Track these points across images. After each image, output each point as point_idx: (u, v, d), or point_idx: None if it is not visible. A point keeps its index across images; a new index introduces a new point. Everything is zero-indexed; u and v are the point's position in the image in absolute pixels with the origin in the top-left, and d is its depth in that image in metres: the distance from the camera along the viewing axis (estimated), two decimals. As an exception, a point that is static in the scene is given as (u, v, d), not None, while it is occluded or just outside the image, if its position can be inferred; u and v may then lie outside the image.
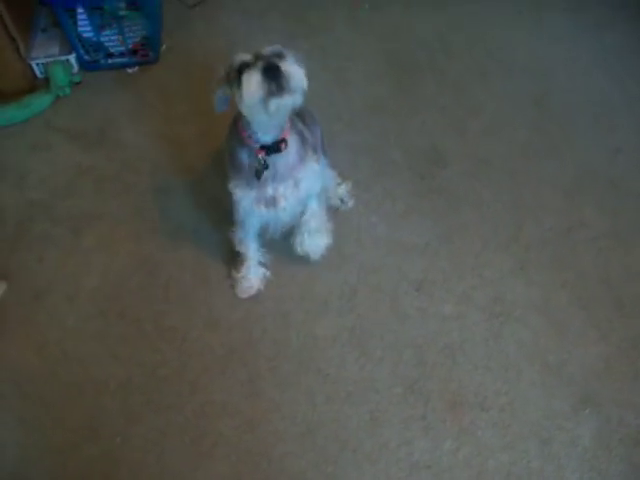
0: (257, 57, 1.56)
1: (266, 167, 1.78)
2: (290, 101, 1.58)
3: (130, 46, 2.92)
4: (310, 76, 1.68)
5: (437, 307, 2.11)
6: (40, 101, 2.77)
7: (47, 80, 2.83)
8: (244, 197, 1.89)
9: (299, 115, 1.91)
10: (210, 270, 2.22)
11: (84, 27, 2.83)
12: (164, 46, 3.05)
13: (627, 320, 2.08)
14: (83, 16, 2.79)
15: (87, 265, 2.26)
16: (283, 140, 1.76)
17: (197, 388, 1.96)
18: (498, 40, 3.07)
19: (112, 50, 2.93)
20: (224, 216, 2.25)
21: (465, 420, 1.87)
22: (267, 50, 1.58)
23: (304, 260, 2.20)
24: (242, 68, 1.57)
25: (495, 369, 1.97)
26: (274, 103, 1.55)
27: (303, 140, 1.87)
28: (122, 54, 2.94)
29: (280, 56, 1.57)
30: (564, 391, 1.92)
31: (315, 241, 2.14)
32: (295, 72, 1.55)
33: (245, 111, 1.64)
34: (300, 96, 1.60)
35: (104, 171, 2.54)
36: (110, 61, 2.95)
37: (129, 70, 2.96)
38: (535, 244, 2.27)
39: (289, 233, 2.15)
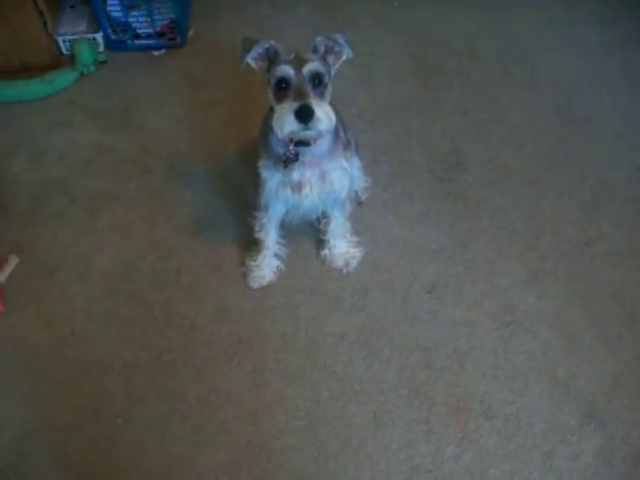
0: (297, 77, 1.65)
1: (296, 159, 1.81)
2: (316, 136, 1.73)
3: (158, 29, 2.92)
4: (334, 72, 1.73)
5: (448, 311, 2.10)
6: (64, 78, 2.79)
7: (72, 57, 2.85)
8: (271, 178, 1.91)
9: (337, 112, 1.92)
10: (223, 259, 2.22)
11: (113, 6, 2.85)
12: (192, 31, 3.05)
13: (638, 338, 2.05)
14: (113, -5, 2.80)
15: (100, 245, 2.27)
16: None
17: (202, 376, 1.96)
18: (526, 49, 3.04)
19: (139, 31, 2.95)
20: (243, 206, 2.28)
21: (469, 427, 1.86)
22: (307, 73, 1.65)
23: (318, 255, 2.21)
24: (281, 84, 1.67)
25: (502, 378, 1.95)
26: (299, 135, 1.70)
27: (337, 135, 1.88)
28: (149, 36, 2.95)
29: (317, 76, 1.67)
30: (570, 405, 1.90)
31: (343, 250, 2.18)
32: (325, 117, 1.65)
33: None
34: (326, 131, 1.71)
35: (124, 152, 2.55)
36: (137, 42, 2.97)
37: (155, 53, 2.97)
38: (551, 255, 2.25)
39: (307, 224, 2.16)
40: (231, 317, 2.08)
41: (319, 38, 1.72)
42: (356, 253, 2.20)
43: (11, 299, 2.12)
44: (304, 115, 1.60)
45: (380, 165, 2.49)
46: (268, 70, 1.73)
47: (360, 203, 2.34)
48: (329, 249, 2.18)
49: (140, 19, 2.90)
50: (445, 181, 2.45)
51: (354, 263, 2.19)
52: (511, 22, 3.19)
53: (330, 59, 1.76)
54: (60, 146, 2.58)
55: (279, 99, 1.68)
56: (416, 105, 2.75)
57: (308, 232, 2.21)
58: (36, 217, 2.34)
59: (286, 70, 1.65)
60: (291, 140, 1.77)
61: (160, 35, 2.94)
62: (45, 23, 2.78)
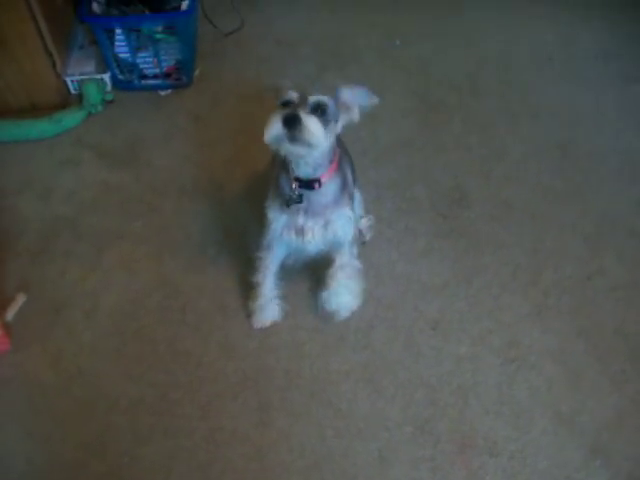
0: (301, 100, 1.65)
1: (299, 201, 1.83)
2: (303, 151, 1.68)
3: (164, 69, 2.96)
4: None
5: (452, 347, 2.11)
6: (72, 117, 2.83)
7: (80, 97, 2.89)
8: (276, 219, 1.93)
9: (350, 163, 1.97)
10: (228, 296, 2.23)
11: (121, 47, 2.88)
12: (197, 71, 3.09)
13: (642, 373, 2.07)
14: (121, 37, 2.85)
15: (107, 283, 2.29)
16: (317, 180, 1.79)
17: (208, 413, 1.96)
18: (527, 84, 3.08)
19: (146, 72, 2.98)
20: (247, 244, 2.28)
21: (474, 464, 1.86)
22: (312, 99, 1.65)
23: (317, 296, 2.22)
24: (283, 104, 1.68)
25: (507, 414, 1.96)
26: (284, 148, 1.66)
27: (344, 184, 1.90)
28: (156, 76, 2.99)
29: (321, 107, 1.66)
30: (575, 441, 1.90)
31: (342, 298, 2.13)
32: (313, 129, 1.61)
33: None
34: (316, 151, 1.68)
35: (130, 190, 2.58)
36: (143, 82, 3.01)
37: (161, 92, 3.01)
38: (553, 290, 2.26)
39: (310, 263, 2.16)
40: (236, 355, 2.09)
41: (344, 90, 1.75)
42: (351, 304, 2.16)
43: (18, 337, 2.13)
44: (290, 121, 1.59)
45: (383, 202, 2.52)
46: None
47: (364, 243, 2.35)
48: (327, 289, 2.12)
49: (147, 60, 2.94)
50: (448, 217, 2.47)
51: (345, 314, 2.16)
52: (511, 57, 3.23)
53: (343, 109, 1.76)
54: (67, 184, 2.61)
55: None
56: (419, 141, 2.78)
57: (310, 269, 2.22)
58: (43, 255, 2.37)
59: (292, 94, 1.67)
60: (296, 179, 1.79)
61: (166, 75, 2.99)
62: (54, 64, 2.83)
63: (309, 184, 1.80)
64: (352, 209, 1.98)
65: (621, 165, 2.70)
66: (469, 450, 1.88)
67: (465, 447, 1.89)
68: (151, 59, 2.93)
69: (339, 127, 1.77)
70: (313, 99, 1.66)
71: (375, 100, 1.77)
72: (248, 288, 2.19)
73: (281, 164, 1.86)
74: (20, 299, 2.21)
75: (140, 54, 2.92)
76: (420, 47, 3.27)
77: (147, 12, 2.85)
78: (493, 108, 2.96)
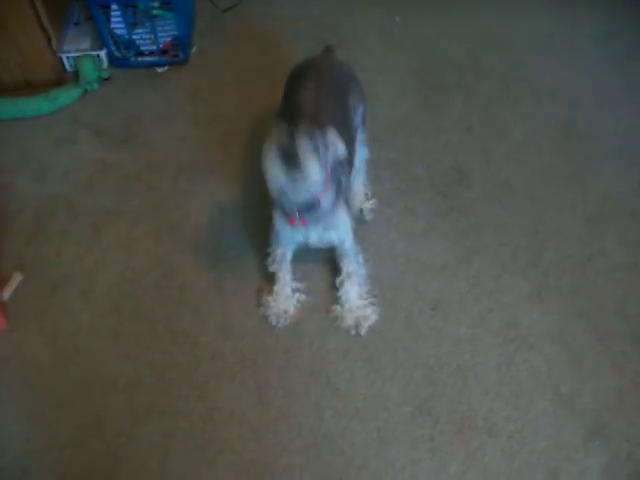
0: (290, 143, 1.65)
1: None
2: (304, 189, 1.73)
3: (161, 46, 2.93)
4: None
5: (452, 328, 2.10)
6: (68, 94, 2.80)
7: (76, 74, 2.88)
8: (282, 228, 2.00)
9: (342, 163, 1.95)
10: (226, 276, 2.22)
11: (117, 24, 2.85)
12: (194, 48, 3.06)
13: (642, 354, 2.06)
14: (117, 13, 2.81)
15: (104, 262, 2.28)
16: (317, 202, 1.82)
17: (205, 393, 1.96)
18: (528, 64, 3.05)
19: (143, 48, 2.96)
20: (245, 222, 2.27)
21: (472, 444, 1.85)
22: (302, 145, 1.65)
23: (321, 272, 2.21)
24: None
25: (506, 395, 1.95)
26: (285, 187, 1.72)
27: (339, 189, 1.91)
28: (152, 53, 2.97)
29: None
30: (575, 422, 1.90)
31: (354, 312, 2.09)
32: (313, 171, 1.67)
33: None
34: (316, 187, 1.74)
35: (127, 169, 2.56)
36: (140, 59, 2.98)
37: (158, 69, 2.98)
38: (554, 271, 2.25)
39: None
40: (234, 334, 2.08)
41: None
42: (369, 314, 2.10)
43: (14, 316, 2.12)
44: (290, 161, 1.64)
45: (383, 182, 2.50)
46: None
47: (365, 222, 2.35)
48: (340, 305, 2.12)
49: (143, 36, 2.91)
50: (448, 197, 2.46)
51: (365, 326, 2.08)
52: (512, 37, 3.20)
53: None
54: (64, 163, 2.59)
55: None
56: (418, 121, 2.76)
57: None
58: (40, 234, 2.35)
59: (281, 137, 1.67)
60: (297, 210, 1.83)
61: (163, 52, 2.96)
62: (49, 40, 2.80)
63: (310, 207, 1.83)
64: (348, 214, 2.02)
65: (622, 146, 2.68)
66: (468, 430, 1.88)
67: (464, 427, 1.88)
68: (148, 35, 2.90)
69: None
70: (303, 145, 1.65)
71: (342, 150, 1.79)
72: (245, 269, 2.19)
73: None
74: (16, 278, 2.20)
75: (136, 30, 2.89)
76: (421, 26, 3.24)
77: (144, -13, 2.81)
78: (494, 88, 2.93)
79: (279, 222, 1.99)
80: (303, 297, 2.16)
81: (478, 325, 2.10)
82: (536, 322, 2.11)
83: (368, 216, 2.36)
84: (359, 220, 2.30)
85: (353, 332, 2.08)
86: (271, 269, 2.12)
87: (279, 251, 2.08)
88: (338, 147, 1.76)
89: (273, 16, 3.27)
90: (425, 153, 2.62)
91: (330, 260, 2.20)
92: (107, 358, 2.04)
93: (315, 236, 1.97)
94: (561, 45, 3.17)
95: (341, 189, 1.93)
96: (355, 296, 2.10)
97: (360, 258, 2.11)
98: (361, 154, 2.26)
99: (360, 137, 2.22)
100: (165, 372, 2.00)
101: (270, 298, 2.12)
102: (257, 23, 3.22)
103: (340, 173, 1.91)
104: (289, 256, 2.11)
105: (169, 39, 2.94)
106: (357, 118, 2.17)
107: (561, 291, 2.20)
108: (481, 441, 1.86)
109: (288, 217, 1.90)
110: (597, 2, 3.39)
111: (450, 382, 1.98)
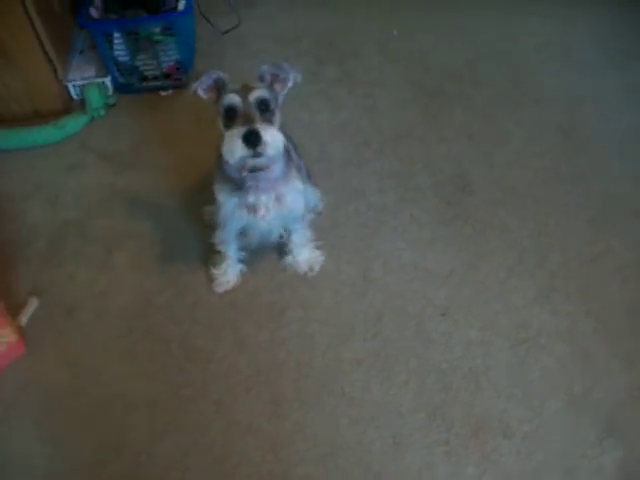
0: (244, 104, 1.73)
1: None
2: (268, 163, 1.78)
3: (164, 70, 2.99)
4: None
5: (462, 333, 2.12)
6: (75, 122, 2.85)
7: (82, 102, 2.92)
8: (227, 201, 1.99)
9: (288, 137, 1.98)
10: (237, 292, 2.25)
11: (120, 51, 2.91)
12: (197, 70, 3.11)
13: (652, 350, 2.07)
14: (119, 40, 2.87)
15: (117, 283, 2.31)
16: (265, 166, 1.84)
17: (222, 408, 1.98)
18: (526, 69, 3.09)
19: (146, 74, 3.01)
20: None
21: (488, 447, 1.87)
22: (254, 98, 1.73)
23: (330, 283, 2.24)
24: (229, 112, 1.75)
25: (519, 396, 1.97)
26: (249, 162, 1.74)
27: (289, 159, 1.96)
28: (156, 78, 3.02)
29: (264, 102, 1.74)
30: (588, 420, 1.91)
31: (305, 255, 2.28)
32: (273, 141, 1.70)
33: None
34: (277, 158, 1.80)
35: (136, 192, 2.60)
36: (144, 84, 3.04)
37: (162, 93, 3.04)
38: (560, 272, 2.27)
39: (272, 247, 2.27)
40: (248, 349, 2.11)
41: (264, 66, 1.81)
42: (318, 257, 2.31)
43: (32, 340, 2.15)
44: (252, 139, 1.66)
45: (387, 192, 2.53)
46: (217, 101, 1.80)
47: (319, 213, 2.44)
48: (293, 256, 2.28)
49: (146, 62, 2.97)
50: (452, 204, 2.49)
51: (317, 267, 2.29)
52: (510, 43, 3.25)
53: (277, 87, 1.84)
54: (74, 189, 2.63)
55: (228, 127, 1.75)
56: (420, 131, 2.80)
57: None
58: (53, 259, 2.39)
59: (233, 98, 1.73)
60: (243, 167, 1.80)
61: (166, 76, 3.01)
62: (55, 70, 2.86)
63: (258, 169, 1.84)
64: (302, 181, 2.06)
65: (623, 145, 2.71)
66: (483, 433, 1.89)
67: (479, 430, 1.90)
68: (150, 61, 2.96)
69: (281, 100, 1.85)
70: (254, 99, 1.73)
71: (299, 77, 1.83)
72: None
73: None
74: (33, 304, 2.23)
75: (139, 56, 2.95)
76: (419, 38, 3.30)
77: (144, 14, 2.87)
78: (493, 95, 2.97)
79: (223, 195, 1.99)
80: (245, 269, 2.30)
81: (488, 328, 2.12)
82: (546, 323, 2.13)
83: (320, 205, 2.46)
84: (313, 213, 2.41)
85: (309, 275, 2.27)
86: (218, 249, 2.21)
87: (224, 233, 2.15)
88: (290, 74, 1.81)
89: (273, 36, 3.33)
90: (428, 162, 2.66)
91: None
92: (124, 378, 2.06)
93: (268, 211, 1.97)
94: (560, 48, 3.22)
95: (292, 159, 2.00)
96: (303, 246, 2.26)
97: (305, 220, 2.24)
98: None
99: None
100: (181, 389, 2.02)
101: (216, 271, 2.25)
102: (257, 43, 3.28)
103: (288, 144, 1.93)
104: (233, 236, 2.17)
105: (171, 63, 3.00)
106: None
107: (569, 292, 2.22)
108: (496, 443, 1.87)
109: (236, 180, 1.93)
110: (595, 4, 3.44)
111: (463, 386, 1.99)
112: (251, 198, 1.94)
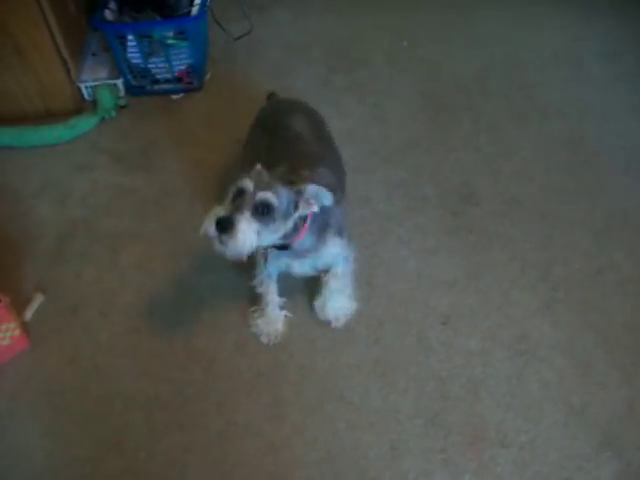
0: (248, 196, 1.63)
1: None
2: (229, 254, 1.62)
3: (176, 73, 3.02)
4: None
5: (462, 342, 2.13)
6: (86, 122, 2.88)
7: (94, 102, 2.96)
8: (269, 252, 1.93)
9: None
10: (241, 294, 2.26)
11: (133, 53, 2.94)
12: (208, 75, 3.15)
13: (652, 365, 2.08)
14: (133, 43, 2.91)
15: (122, 282, 2.33)
16: (289, 244, 1.82)
17: (222, 409, 1.99)
18: (534, 83, 3.11)
19: (158, 77, 3.05)
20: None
21: (485, 456, 1.87)
22: (259, 198, 1.62)
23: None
24: (237, 192, 1.67)
25: (517, 407, 1.97)
26: (215, 246, 1.62)
27: (323, 226, 1.87)
28: (168, 81, 3.06)
29: (267, 206, 1.62)
30: (586, 432, 1.91)
31: (336, 304, 2.14)
32: (243, 238, 1.58)
33: None
34: (242, 254, 1.63)
35: (144, 193, 2.63)
36: (156, 87, 3.08)
37: (174, 96, 3.07)
38: (563, 285, 2.28)
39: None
40: (250, 351, 2.12)
41: (311, 186, 1.68)
42: (348, 310, 2.18)
43: (36, 336, 2.17)
44: (223, 225, 1.57)
45: (394, 201, 2.55)
46: None
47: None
48: (323, 300, 2.15)
49: (159, 65, 3.00)
50: (457, 215, 2.50)
51: (343, 320, 2.16)
52: (519, 57, 3.28)
53: (302, 204, 1.71)
54: (83, 188, 2.66)
55: (224, 200, 1.69)
56: (427, 141, 2.82)
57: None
58: (60, 257, 2.41)
59: (247, 184, 1.64)
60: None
61: (178, 80, 3.05)
62: (68, 71, 2.90)
63: (281, 247, 1.83)
64: (341, 243, 1.96)
65: (629, 161, 2.72)
66: (480, 442, 1.90)
67: (476, 439, 1.91)
68: (163, 64, 2.99)
69: (296, 217, 1.73)
70: (260, 197, 1.62)
71: (329, 201, 1.71)
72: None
73: None
74: (38, 299, 2.26)
75: (152, 59, 2.98)
76: (428, 49, 3.33)
77: (158, 18, 2.90)
78: (501, 108, 2.99)
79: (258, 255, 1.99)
80: (289, 315, 2.19)
81: (488, 339, 2.13)
82: (546, 335, 2.14)
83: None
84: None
85: (333, 325, 2.16)
86: (258, 291, 2.14)
87: (265, 272, 2.08)
88: (319, 201, 1.71)
89: (284, 43, 3.37)
90: (434, 172, 2.67)
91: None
92: (126, 376, 2.08)
93: (301, 268, 1.97)
94: (568, 63, 3.24)
95: (328, 226, 1.88)
96: (336, 292, 2.11)
97: (350, 257, 2.07)
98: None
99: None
100: (183, 389, 2.04)
101: (260, 320, 2.14)
102: (269, 50, 3.32)
103: (328, 214, 1.85)
104: (274, 277, 2.11)
105: (183, 67, 3.03)
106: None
107: (570, 305, 2.22)
108: (493, 452, 1.88)
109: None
110: (603, 20, 3.47)
111: (461, 395, 2.00)
112: (285, 259, 1.94)
